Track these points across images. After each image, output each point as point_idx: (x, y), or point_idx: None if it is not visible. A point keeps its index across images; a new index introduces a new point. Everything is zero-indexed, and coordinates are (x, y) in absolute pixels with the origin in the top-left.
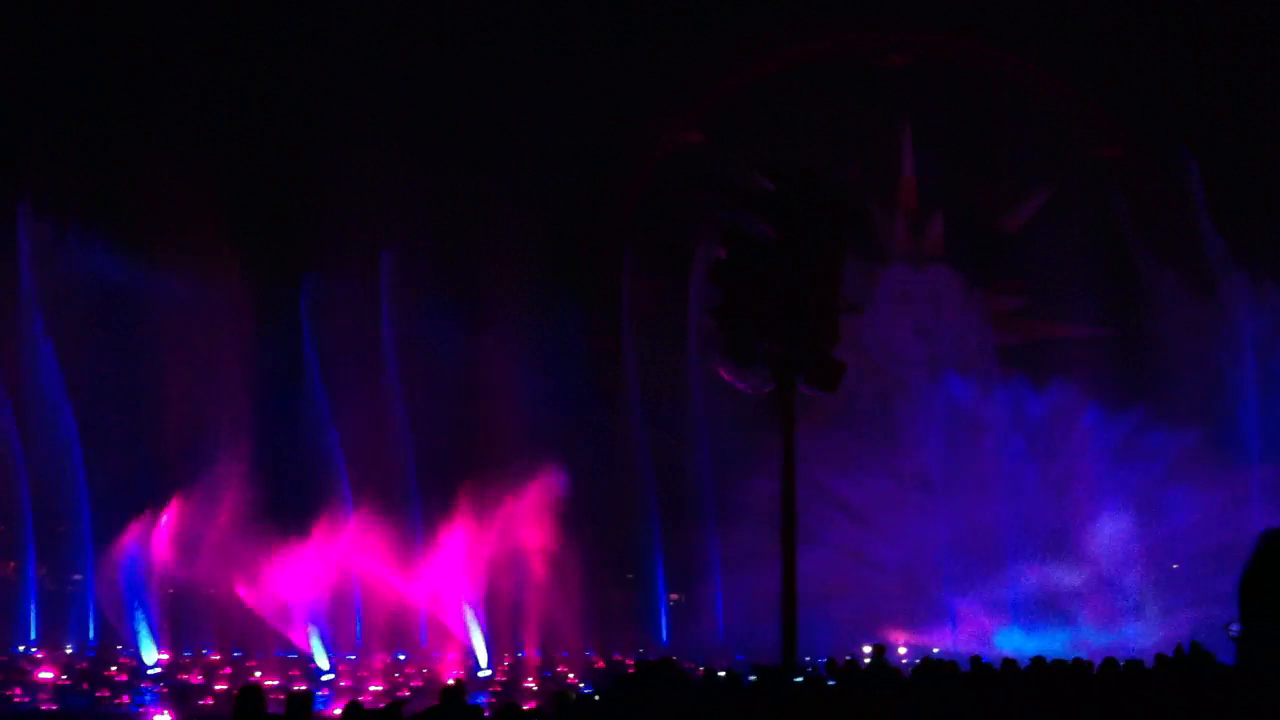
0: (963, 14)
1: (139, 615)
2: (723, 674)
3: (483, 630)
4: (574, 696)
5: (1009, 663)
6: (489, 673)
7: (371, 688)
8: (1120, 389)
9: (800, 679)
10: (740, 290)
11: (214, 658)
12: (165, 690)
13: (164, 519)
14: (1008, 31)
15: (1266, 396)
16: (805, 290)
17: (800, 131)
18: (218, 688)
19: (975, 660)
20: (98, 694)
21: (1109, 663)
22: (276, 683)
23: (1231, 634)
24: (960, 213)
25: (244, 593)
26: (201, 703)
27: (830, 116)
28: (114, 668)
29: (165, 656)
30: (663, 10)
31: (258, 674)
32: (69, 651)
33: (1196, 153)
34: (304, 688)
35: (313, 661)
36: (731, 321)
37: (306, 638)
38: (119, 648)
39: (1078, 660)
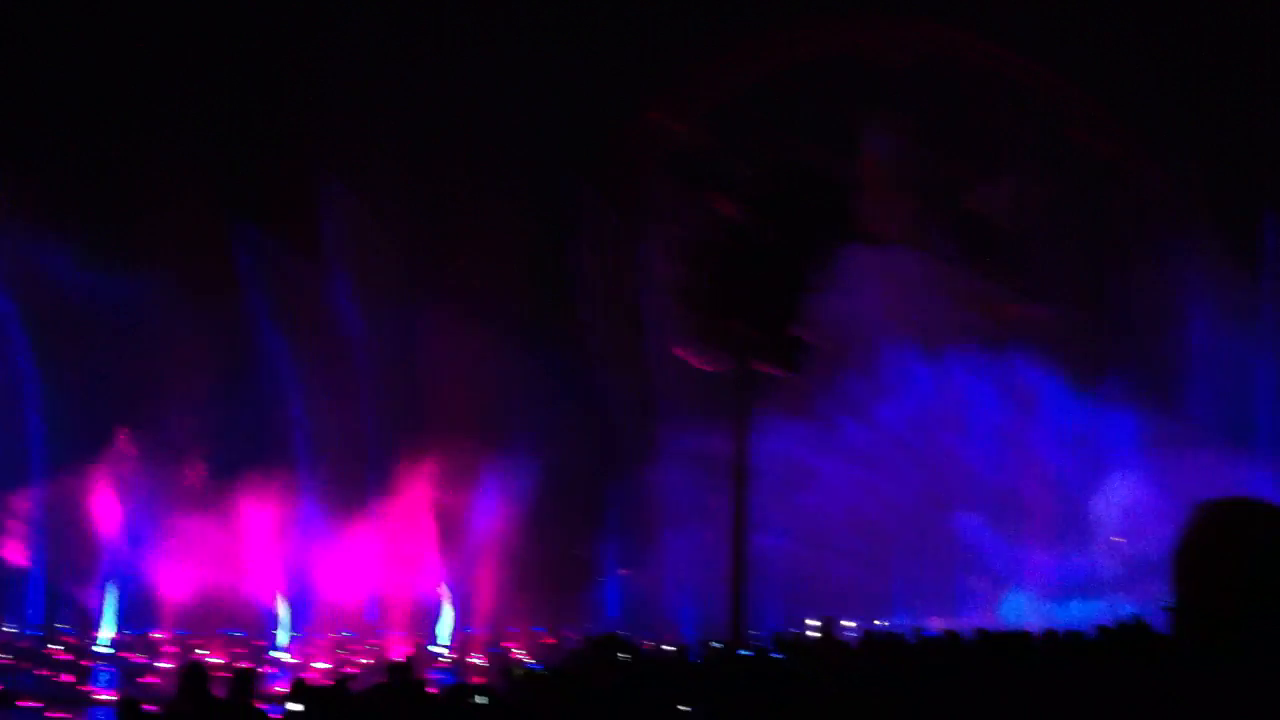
0: (956, 8)
1: (105, 592)
2: (670, 648)
3: (454, 607)
4: (521, 671)
5: (951, 634)
6: (443, 649)
7: (318, 665)
8: (1091, 369)
9: (747, 653)
10: (707, 272)
11: (157, 635)
12: (112, 670)
13: (113, 494)
14: (996, 24)
15: (1226, 380)
16: (771, 273)
17: (788, 124)
18: (162, 666)
19: (917, 632)
20: (37, 672)
21: (1049, 634)
22: (222, 661)
23: (1164, 606)
24: (928, 194)
25: (191, 570)
26: (145, 681)
27: (819, 111)
28: (58, 646)
29: (111, 635)
30: (664, 10)
31: (202, 652)
32: (9, 630)
33: (1194, 143)
34: (249, 665)
35: (259, 638)
36: (697, 302)
37: (257, 614)
38: (61, 626)
39: (1019, 631)
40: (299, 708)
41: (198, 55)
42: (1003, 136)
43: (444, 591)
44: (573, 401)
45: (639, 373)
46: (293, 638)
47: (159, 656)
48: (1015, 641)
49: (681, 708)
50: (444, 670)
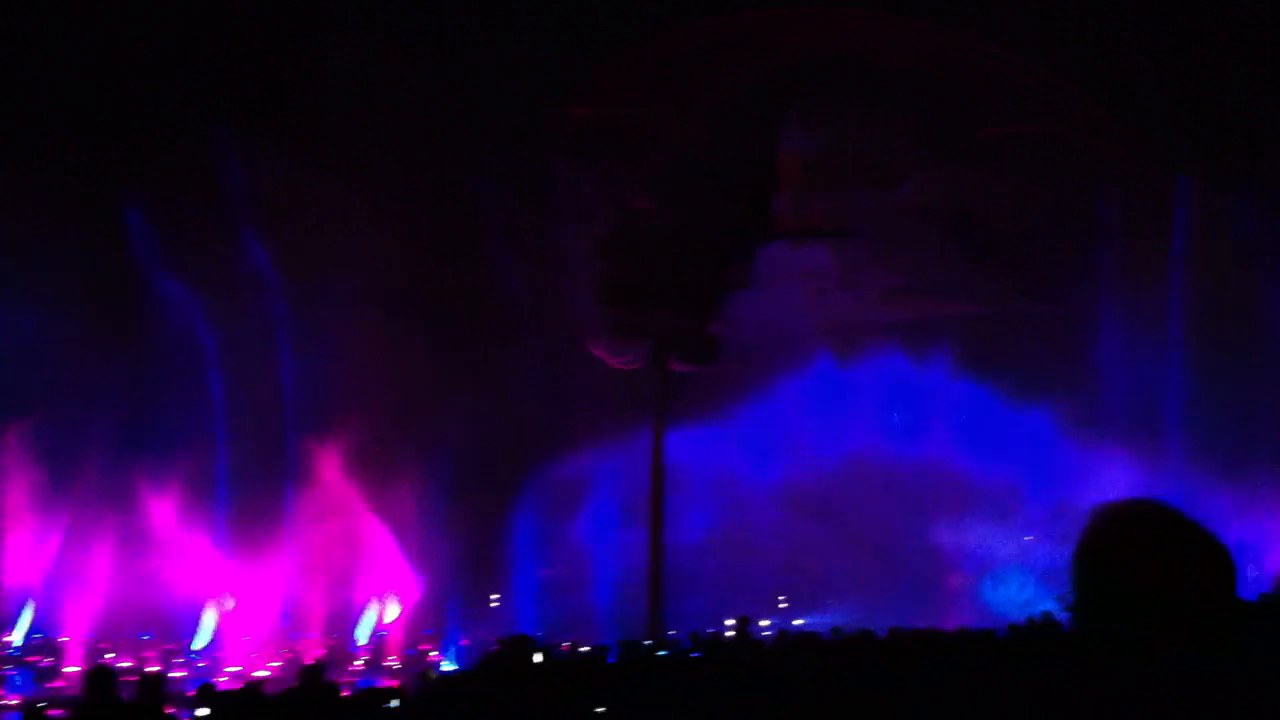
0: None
1: (24, 596)
2: (587, 649)
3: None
4: (434, 675)
5: (866, 632)
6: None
7: (230, 669)
8: (1016, 365)
9: (664, 653)
10: (624, 266)
11: (63, 639)
12: (18, 674)
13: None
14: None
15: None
16: (687, 268)
17: (698, 103)
18: (70, 670)
19: (836, 631)
20: None
21: (961, 631)
22: (130, 664)
23: (1065, 604)
24: (846, 189)
25: (100, 570)
26: (52, 685)
27: (728, 88)
28: None
29: (19, 638)
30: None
31: (110, 655)
32: None
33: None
34: (157, 669)
35: (171, 641)
36: (613, 297)
37: (170, 615)
38: None
39: (931, 630)
40: (206, 712)
41: (194, 55)
42: (1001, 136)
43: (391, 598)
44: (492, 398)
45: (557, 366)
46: (209, 641)
47: (66, 660)
48: (927, 640)
49: (598, 709)
50: (361, 674)
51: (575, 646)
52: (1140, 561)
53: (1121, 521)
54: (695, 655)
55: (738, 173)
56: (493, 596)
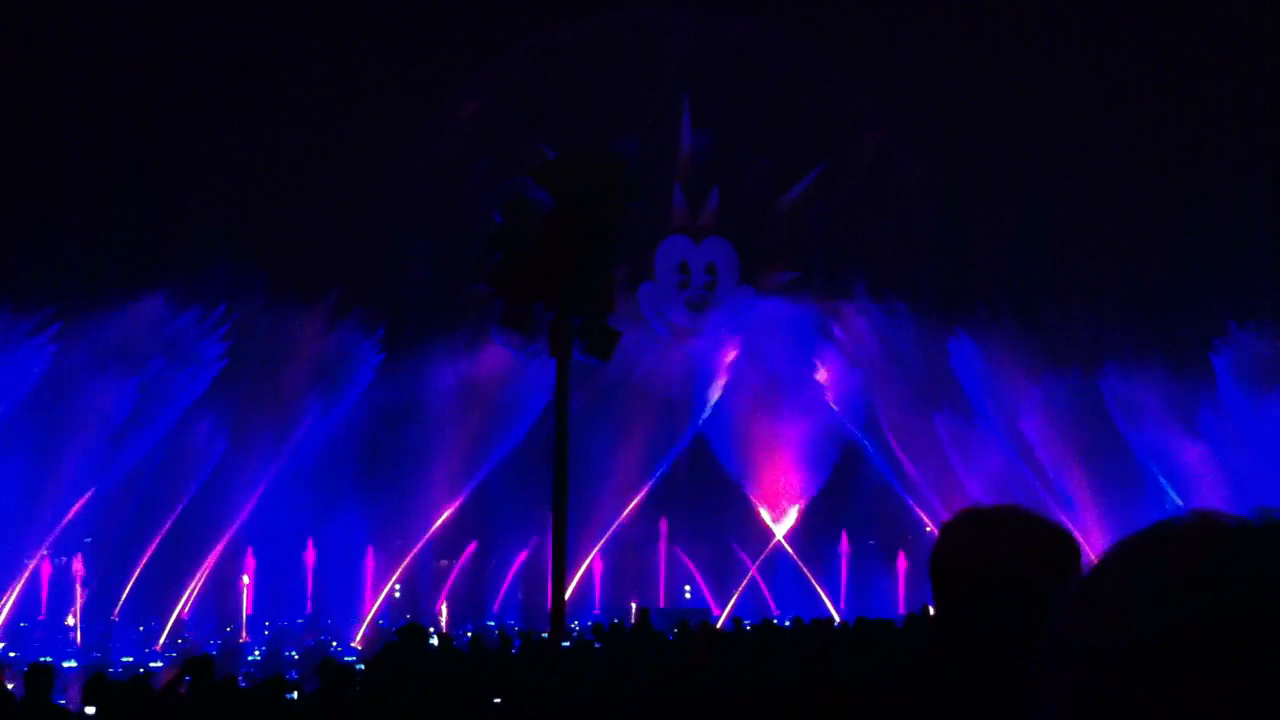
0: None
1: None
2: (492, 639)
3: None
4: (335, 665)
5: (738, 623)
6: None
7: (124, 659)
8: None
9: (567, 644)
10: (518, 256)
11: None
12: None
13: None
14: (788, 13)
15: None
16: (583, 259)
17: (583, 100)
18: None
19: (738, 622)
20: None
21: (860, 621)
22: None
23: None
24: (737, 186)
25: None
26: None
27: (613, 86)
28: None
29: None
30: None
31: None
32: None
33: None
34: (48, 659)
35: (59, 631)
36: (508, 287)
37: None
38: None
39: (817, 620)
40: (93, 711)
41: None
42: (781, 115)
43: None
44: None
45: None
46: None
47: None
48: (819, 629)
49: (495, 700)
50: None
51: (479, 637)
52: (998, 553)
53: (981, 521)
54: (597, 646)
55: (631, 165)
56: (395, 585)
